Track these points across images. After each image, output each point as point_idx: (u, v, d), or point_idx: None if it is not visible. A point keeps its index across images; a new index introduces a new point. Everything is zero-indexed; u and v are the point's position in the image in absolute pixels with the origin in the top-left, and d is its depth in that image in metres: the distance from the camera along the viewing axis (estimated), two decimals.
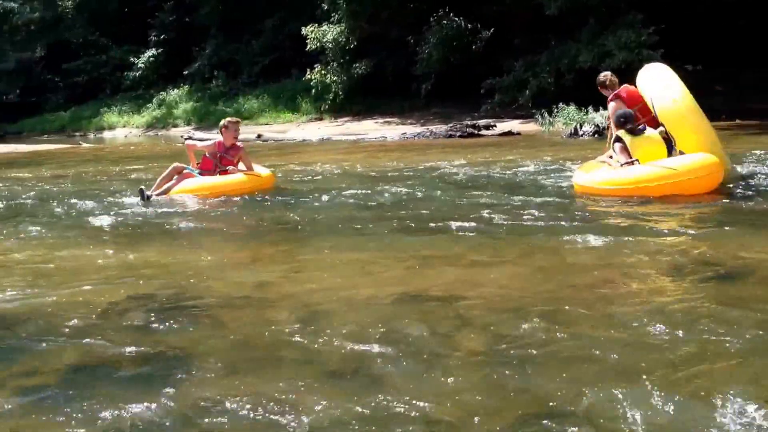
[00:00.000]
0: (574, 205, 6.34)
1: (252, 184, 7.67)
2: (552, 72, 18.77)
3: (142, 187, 7.50)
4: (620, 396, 2.41)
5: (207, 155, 7.75)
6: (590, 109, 16.51)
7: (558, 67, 18.78)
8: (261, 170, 8.02)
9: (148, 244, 5.54)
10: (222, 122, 7.97)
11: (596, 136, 14.81)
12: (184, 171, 7.66)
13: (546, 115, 17.43)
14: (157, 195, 7.39)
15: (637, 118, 6.93)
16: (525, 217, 5.76)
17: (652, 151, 6.56)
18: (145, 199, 7.25)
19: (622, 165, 6.61)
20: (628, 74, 16.29)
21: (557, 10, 18.49)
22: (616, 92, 7.38)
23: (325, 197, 7.31)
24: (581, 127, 15.54)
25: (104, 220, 6.51)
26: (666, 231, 5.00)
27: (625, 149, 6.59)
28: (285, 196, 7.52)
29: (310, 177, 9.64)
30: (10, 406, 2.58)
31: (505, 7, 20.61)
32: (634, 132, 6.64)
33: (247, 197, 7.40)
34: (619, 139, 6.68)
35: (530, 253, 4.54)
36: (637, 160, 6.56)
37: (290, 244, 5.32)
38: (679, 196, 6.12)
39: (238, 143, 7.86)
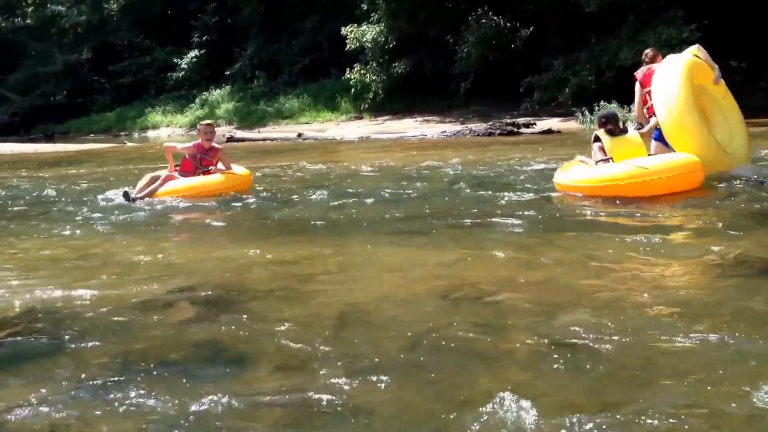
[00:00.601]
0: (611, 203, 6.37)
1: (232, 183, 7.84)
2: (592, 70, 18.68)
3: (127, 189, 7.64)
4: (676, 393, 2.40)
5: (187, 157, 7.86)
6: (632, 106, 16.43)
7: (598, 65, 18.68)
8: (239, 170, 8.21)
9: (189, 239, 5.70)
10: (198, 125, 8.24)
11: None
12: (166, 174, 7.75)
13: (587, 112, 17.37)
14: (141, 197, 7.47)
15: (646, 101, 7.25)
16: (564, 214, 5.81)
17: (628, 152, 6.59)
18: (130, 201, 7.38)
19: (596, 163, 6.71)
20: None
21: (596, 7, 18.38)
22: (635, 74, 7.50)
23: (364, 194, 7.43)
24: (623, 125, 15.46)
25: (144, 217, 6.67)
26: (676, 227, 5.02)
27: (602, 149, 6.68)
28: (326, 193, 7.65)
29: (350, 174, 9.76)
30: (57, 399, 2.59)
31: (543, 6, 20.57)
32: (614, 133, 6.71)
33: (288, 194, 7.58)
34: (597, 139, 6.78)
35: (570, 250, 4.54)
36: (611, 158, 6.64)
37: (330, 241, 5.34)
38: (674, 195, 6.12)
39: (216, 145, 8.06)
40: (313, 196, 7.49)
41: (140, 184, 7.68)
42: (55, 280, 4.29)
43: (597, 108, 17.12)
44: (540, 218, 5.69)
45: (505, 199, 6.73)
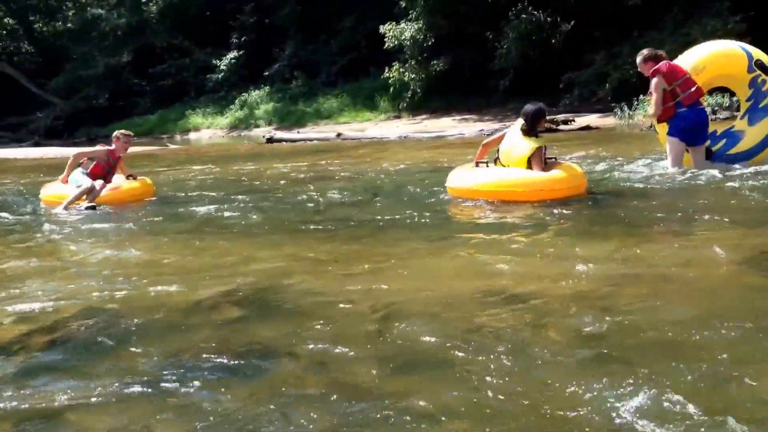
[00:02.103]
0: (639, 200, 6.29)
1: (144, 190, 8.39)
2: (634, 63, 18.36)
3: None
4: (719, 395, 2.40)
5: (98, 161, 8.14)
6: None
7: None
8: (144, 178, 8.68)
9: (228, 240, 5.75)
10: (115, 133, 8.52)
11: None
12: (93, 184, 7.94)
13: (625, 108, 17.13)
14: (91, 206, 7.63)
15: (675, 93, 7.19)
16: (600, 211, 5.85)
17: (512, 157, 6.65)
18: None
19: (476, 164, 6.83)
20: None
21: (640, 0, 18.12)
22: (656, 67, 7.32)
23: (403, 194, 7.46)
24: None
25: (184, 218, 6.82)
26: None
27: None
28: (363, 192, 7.70)
29: (389, 173, 9.82)
30: (105, 401, 2.67)
31: None
32: (527, 133, 6.62)
33: (327, 194, 7.61)
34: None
35: (604, 248, 4.56)
36: (486, 162, 6.75)
37: (368, 242, 5.41)
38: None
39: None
40: (351, 196, 7.58)
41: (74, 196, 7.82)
42: (98, 283, 4.42)
43: (636, 102, 16.89)
44: (578, 217, 5.71)
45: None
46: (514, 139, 6.68)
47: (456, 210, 6.57)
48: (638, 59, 7.78)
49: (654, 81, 7.26)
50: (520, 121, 6.68)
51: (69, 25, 39.77)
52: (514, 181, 6.48)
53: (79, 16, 38.86)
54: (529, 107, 6.65)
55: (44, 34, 40.61)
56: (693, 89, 7.25)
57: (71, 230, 6.67)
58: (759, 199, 5.90)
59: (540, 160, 6.51)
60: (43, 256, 5.51)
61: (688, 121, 7.25)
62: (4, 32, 40.49)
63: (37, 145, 27.43)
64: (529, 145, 6.53)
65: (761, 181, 6.57)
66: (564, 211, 5.88)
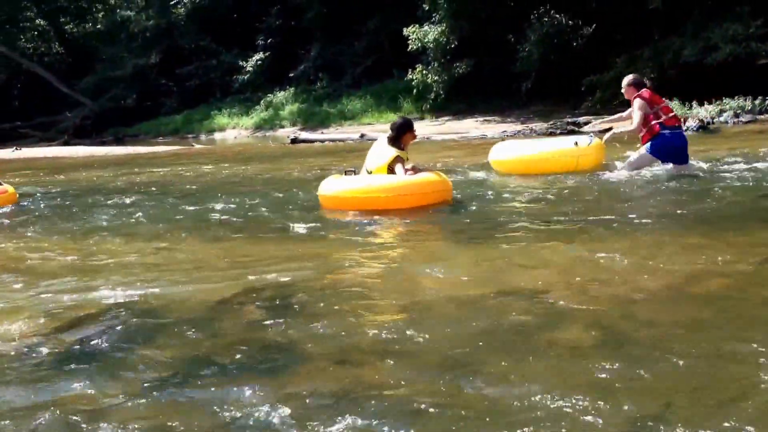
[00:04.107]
0: (672, 202, 6.47)
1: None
2: (655, 67, 18.47)
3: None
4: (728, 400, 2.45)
5: None
6: (694, 104, 16.26)
7: (661, 62, 18.46)
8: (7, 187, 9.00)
9: (251, 238, 5.93)
10: None
11: (700, 131, 14.61)
12: None
13: None
14: None
15: (658, 115, 7.82)
16: (622, 212, 5.93)
17: (374, 167, 6.89)
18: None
19: (345, 172, 7.06)
20: (735, 68, 15.97)
21: (661, 3, 18.17)
22: (639, 93, 7.98)
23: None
24: (685, 122, 15.33)
25: (214, 215, 7.01)
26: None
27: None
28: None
29: None
30: (132, 397, 2.75)
31: (606, 3, 20.38)
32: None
33: None
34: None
35: (630, 249, 4.63)
36: (354, 170, 7.03)
37: (389, 241, 5.56)
38: None
39: None
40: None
41: None
42: (125, 279, 4.56)
43: None
44: (600, 219, 5.78)
45: (564, 198, 6.87)
46: (378, 149, 6.99)
47: (480, 210, 6.70)
48: (624, 82, 8.37)
49: (637, 102, 7.67)
50: (388, 132, 7.03)
51: (98, 26, 40.36)
52: (379, 186, 6.69)
53: (109, 17, 39.45)
54: (397, 120, 7.15)
55: (74, 35, 41.22)
56: (672, 114, 7.89)
57: (88, 227, 6.90)
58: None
59: (401, 168, 6.74)
60: (66, 251, 5.65)
61: (670, 143, 7.75)
62: (36, 33, 41.18)
63: (66, 144, 27.90)
64: (389, 153, 6.82)
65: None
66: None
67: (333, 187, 6.95)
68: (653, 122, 7.79)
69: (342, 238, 5.88)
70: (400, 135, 6.93)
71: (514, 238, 5.26)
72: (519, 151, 8.99)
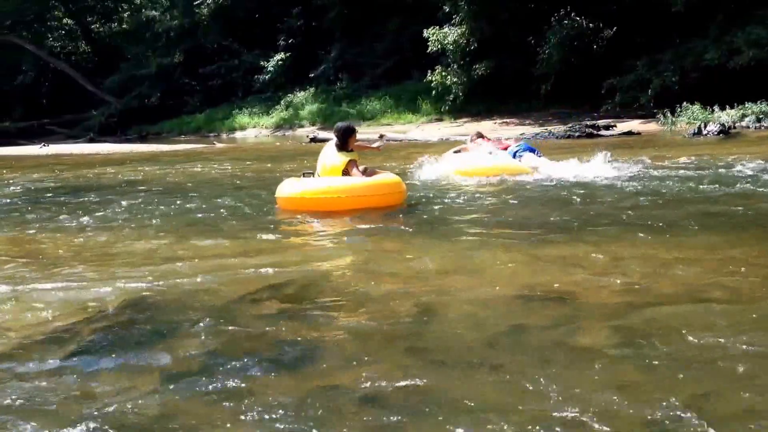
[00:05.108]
0: (691, 206, 6.46)
1: None
2: (676, 70, 18.36)
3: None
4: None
5: None
6: (716, 107, 16.16)
7: (683, 65, 18.34)
8: None
9: (274, 236, 5.97)
10: None
11: (721, 135, 14.52)
12: None
13: (668, 114, 17.15)
14: None
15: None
16: (643, 215, 5.94)
17: (328, 169, 7.08)
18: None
19: (303, 174, 7.25)
20: (759, 71, 15.81)
21: (683, 6, 18.07)
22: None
23: (441, 196, 7.70)
24: (705, 126, 15.23)
25: (236, 213, 7.06)
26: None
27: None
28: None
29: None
30: (154, 389, 2.77)
31: (628, 5, 20.28)
32: (340, 147, 7.16)
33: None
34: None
35: (651, 253, 4.62)
36: (312, 172, 7.20)
37: (411, 241, 5.56)
38: None
39: None
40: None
41: None
42: (147, 273, 4.61)
43: (679, 109, 16.90)
44: (622, 220, 5.82)
45: (585, 201, 6.89)
46: (329, 154, 7.19)
47: (501, 211, 6.74)
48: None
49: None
50: (335, 138, 7.25)
51: (124, 26, 40.89)
52: (335, 188, 6.88)
53: (134, 17, 39.96)
54: (340, 125, 7.41)
55: (101, 34, 41.77)
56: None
57: (111, 220, 7.02)
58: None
59: (355, 170, 7.01)
60: (89, 246, 5.74)
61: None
62: (63, 32, 41.82)
63: (91, 141, 28.22)
64: (341, 158, 7.05)
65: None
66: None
67: (291, 189, 7.14)
68: None
69: (356, 236, 5.96)
70: (346, 138, 7.18)
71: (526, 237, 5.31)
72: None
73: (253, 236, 5.92)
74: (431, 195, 7.89)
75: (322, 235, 6.20)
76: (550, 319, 3.38)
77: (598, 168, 8.83)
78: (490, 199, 7.57)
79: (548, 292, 3.86)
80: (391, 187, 7.03)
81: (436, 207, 7.10)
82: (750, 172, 8.28)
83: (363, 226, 6.20)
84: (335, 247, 5.55)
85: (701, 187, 7.41)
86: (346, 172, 7.02)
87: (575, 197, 7.19)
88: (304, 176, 7.24)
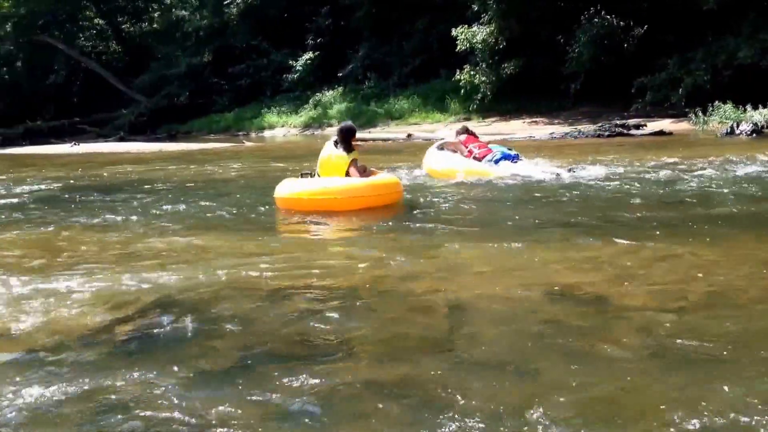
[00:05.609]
0: (718, 205, 6.39)
1: None
2: (708, 69, 18.12)
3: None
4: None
5: None
6: (749, 107, 15.92)
7: (715, 64, 18.10)
8: None
9: (302, 236, 6.04)
10: None
11: (754, 135, 14.32)
12: None
13: (700, 113, 16.94)
14: None
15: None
16: (670, 217, 5.92)
17: (333, 168, 7.15)
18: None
19: (302, 174, 7.35)
20: None
21: (715, 4, 17.83)
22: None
23: (469, 195, 7.71)
24: (738, 125, 15.02)
25: (262, 211, 7.12)
26: None
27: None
28: (439, 194, 7.98)
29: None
30: (184, 387, 2.80)
31: (659, 3, 20.05)
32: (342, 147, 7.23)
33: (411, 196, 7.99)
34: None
35: (682, 254, 4.60)
36: (310, 173, 7.28)
37: (439, 239, 5.54)
38: None
39: None
40: (427, 198, 7.77)
41: None
42: (176, 270, 4.66)
43: (711, 108, 16.68)
44: (654, 221, 5.77)
45: (616, 201, 6.85)
46: (330, 154, 7.25)
47: (530, 210, 6.72)
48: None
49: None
50: (335, 137, 7.38)
51: (154, 26, 41.34)
52: (333, 188, 6.96)
53: (164, 17, 40.37)
54: (343, 125, 7.58)
55: (131, 34, 42.23)
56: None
57: (139, 218, 7.11)
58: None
59: (356, 170, 7.10)
60: (122, 244, 5.81)
61: None
62: (95, 32, 42.36)
63: (121, 140, 28.52)
64: (344, 157, 7.14)
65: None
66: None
67: (289, 189, 7.20)
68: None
69: (380, 234, 5.98)
70: (348, 138, 7.30)
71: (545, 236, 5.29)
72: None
73: (278, 235, 6.00)
74: (435, 194, 7.98)
75: (340, 235, 6.24)
76: (578, 320, 3.37)
77: (581, 171, 8.94)
78: (495, 198, 7.64)
79: (576, 292, 3.84)
80: (389, 187, 7.15)
81: (443, 206, 7.17)
82: None
83: (384, 224, 6.25)
84: (355, 245, 5.56)
85: (733, 188, 7.31)
86: (347, 172, 7.16)
87: (589, 197, 7.21)
88: (302, 176, 7.36)
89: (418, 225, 6.15)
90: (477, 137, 9.95)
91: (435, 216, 6.62)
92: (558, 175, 8.64)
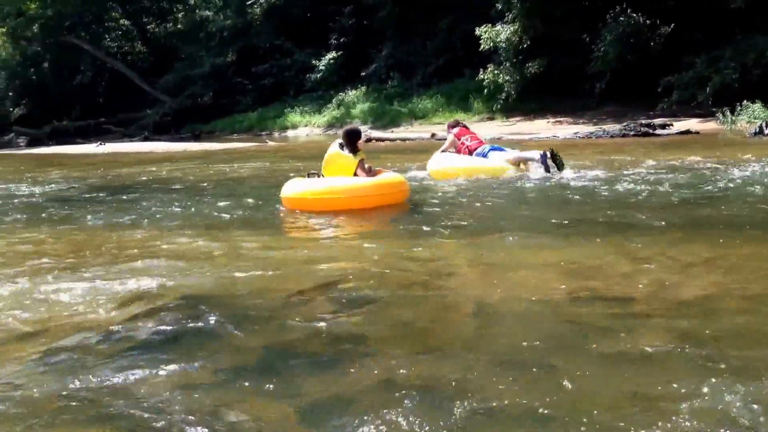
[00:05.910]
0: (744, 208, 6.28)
1: None
2: (737, 67, 17.86)
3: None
4: None
5: None
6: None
7: (744, 62, 17.84)
8: None
9: (326, 237, 6.00)
10: None
11: None
12: None
13: (728, 113, 16.70)
14: None
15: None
16: (701, 216, 5.84)
17: (339, 168, 7.19)
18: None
19: (308, 175, 7.40)
20: None
21: (743, 2, 17.59)
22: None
23: (497, 194, 7.65)
24: (767, 125, 14.79)
25: (286, 214, 7.08)
26: None
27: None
28: (459, 191, 7.94)
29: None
30: (209, 385, 2.80)
31: (686, 1, 19.81)
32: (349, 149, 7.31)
33: (426, 195, 7.93)
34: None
35: (709, 255, 4.52)
36: (316, 173, 7.32)
37: (465, 238, 5.52)
38: None
39: None
40: (450, 197, 7.76)
41: None
42: (200, 270, 4.66)
43: (739, 108, 16.45)
44: (681, 220, 5.71)
45: (643, 200, 6.76)
46: (338, 155, 7.30)
47: (557, 209, 6.68)
48: None
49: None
50: (339, 139, 7.47)
51: (179, 26, 41.66)
52: (339, 187, 6.99)
53: (189, 17, 40.67)
54: (347, 128, 7.68)
55: (156, 34, 42.61)
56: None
57: (159, 217, 7.13)
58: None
59: (363, 170, 7.18)
60: (147, 242, 5.83)
61: None
62: (120, 33, 42.79)
63: (146, 139, 28.76)
64: (351, 159, 7.21)
65: None
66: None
67: (295, 188, 7.22)
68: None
69: (396, 235, 5.96)
70: (352, 140, 7.39)
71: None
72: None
73: (299, 234, 6.00)
74: (443, 193, 7.99)
75: (355, 235, 6.21)
76: (601, 320, 3.33)
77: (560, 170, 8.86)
78: (507, 197, 7.58)
79: (598, 292, 3.80)
80: (394, 186, 7.16)
81: (452, 206, 7.15)
82: None
83: (395, 224, 6.27)
84: (366, 245, 5.50)
85: (757, 187, 7.16)
86: (355, 173, 7.24)
87: (603, 195, 7.12)
88: (309, 176, 7.40)
89: (428, 224, 6.09)
90: (469, 129, 10.09)
91: (446, 215, 6.57)
92: (537, 160, 8.76)
